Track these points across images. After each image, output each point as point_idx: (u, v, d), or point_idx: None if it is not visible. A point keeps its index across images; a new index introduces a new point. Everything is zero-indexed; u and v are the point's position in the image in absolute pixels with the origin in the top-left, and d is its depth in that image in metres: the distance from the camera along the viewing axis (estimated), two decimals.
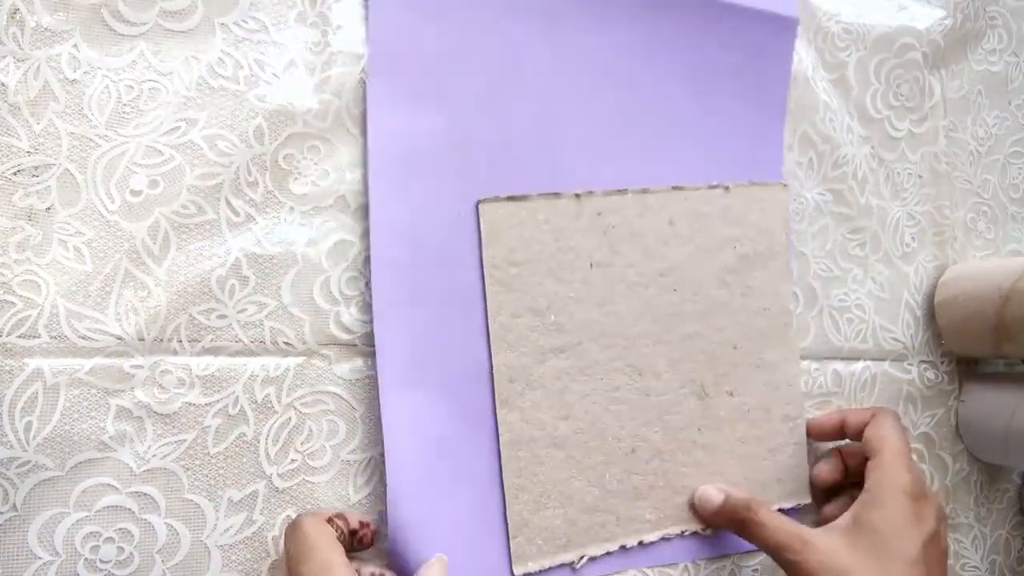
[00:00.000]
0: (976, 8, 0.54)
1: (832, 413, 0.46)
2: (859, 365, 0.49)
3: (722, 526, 0.42)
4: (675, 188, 0.43)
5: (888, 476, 0.40)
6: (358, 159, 0.38)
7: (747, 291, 0.44)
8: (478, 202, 0.39)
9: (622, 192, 0.41)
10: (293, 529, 0.33)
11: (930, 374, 0.51)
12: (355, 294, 0.37)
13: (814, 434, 0.46)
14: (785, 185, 0.46)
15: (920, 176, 0.52)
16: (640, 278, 0.42)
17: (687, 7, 0.44)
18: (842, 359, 0.49)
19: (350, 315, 0.37)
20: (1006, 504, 0.54)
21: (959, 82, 0.54)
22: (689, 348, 0.43)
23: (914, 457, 0.50)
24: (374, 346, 0.37)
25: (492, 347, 0.39)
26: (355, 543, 0.35)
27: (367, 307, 0.37)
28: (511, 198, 0.39)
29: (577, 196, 0.40)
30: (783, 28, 0.47)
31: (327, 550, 0.32)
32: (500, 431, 0.39)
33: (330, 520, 0.34)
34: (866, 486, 0.40)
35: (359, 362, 0.37)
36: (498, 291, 0.39)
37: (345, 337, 0.37)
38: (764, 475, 0.44)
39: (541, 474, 0.39)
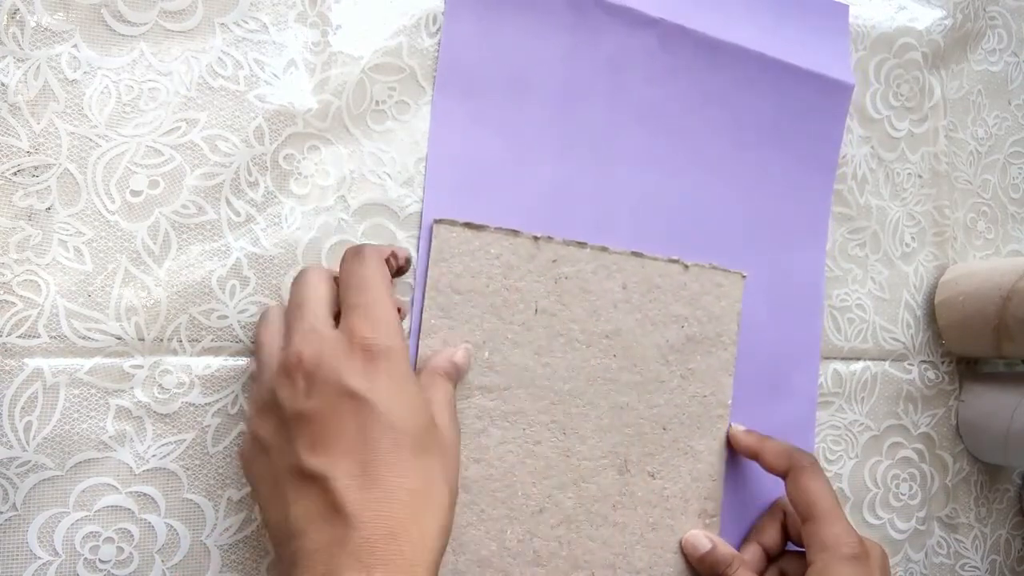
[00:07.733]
0: (976, 8, 0.54)
1: (753, 439, 0.43)
2: (859, 365, 0.49)
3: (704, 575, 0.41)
4: (633, 253, 0.42)
5: (828, 547, 0.38)
6: (358, 159, 0.38)
7: (687, 374, 0.43)
8: (433, 221, 0.38)
9: (581, 245, 0.40)
10: (356, 256, 0.33)
11: (930, 374, 0.51)
12: None
13: (731, 443, 0.44)
14: (744, 276, 0.44)
15: (920, 176, 0.52)
16: (583, 335, 0.40)
17: (745, 64, 0.45)
18: (842, 359, 0.49)
19: None
20: (1006, 504, 0.54)
21: (959, 82, 0.54)
22: (618, 418, 0.41)
23: (914, 457, 0.50)
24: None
25: (416, 369, 0.37)
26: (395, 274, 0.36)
27: None
28: (468, 225, 0.38)
29: (535, 238, 0.39)
30: (838, 92, 0.48)
31: (382, 288, 0.32)
32: None
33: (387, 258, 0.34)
34: (811, 563, 0.38)
35: None
36: (436, 314, 0.38)
37: None
38: (669, 568, 0.42)
39: None
